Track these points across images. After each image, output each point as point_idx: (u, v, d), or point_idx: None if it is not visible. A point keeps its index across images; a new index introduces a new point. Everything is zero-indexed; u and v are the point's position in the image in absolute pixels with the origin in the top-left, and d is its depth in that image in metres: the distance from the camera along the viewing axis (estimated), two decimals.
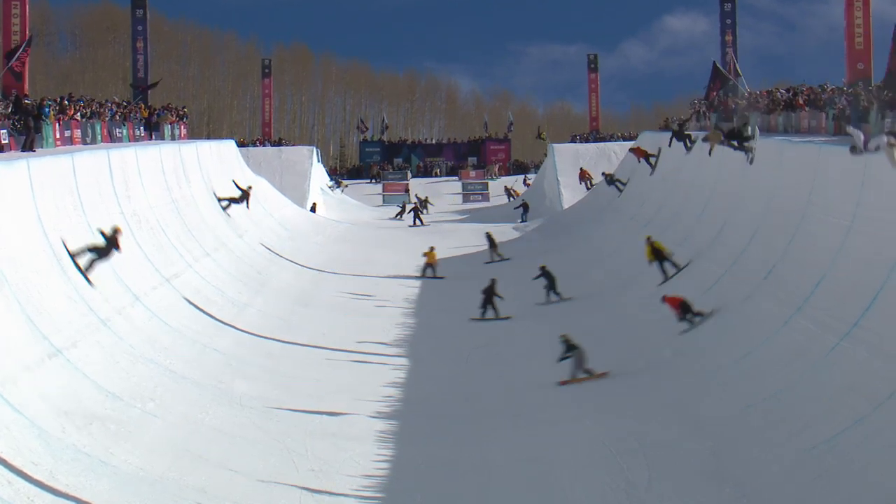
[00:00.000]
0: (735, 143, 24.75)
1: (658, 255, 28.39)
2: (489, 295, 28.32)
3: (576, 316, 27.60)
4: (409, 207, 57.79)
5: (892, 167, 16.24)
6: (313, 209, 53.00)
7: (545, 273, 29.87)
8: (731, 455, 15.90)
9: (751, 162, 24.95)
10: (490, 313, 28.16)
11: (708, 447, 16.43)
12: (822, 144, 23.84)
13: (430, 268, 35.45)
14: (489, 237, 39.08)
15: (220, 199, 36.32)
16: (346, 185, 69.12)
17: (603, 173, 46.09)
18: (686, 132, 33.68)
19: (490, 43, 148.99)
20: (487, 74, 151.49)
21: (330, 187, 65.58)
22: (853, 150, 17.13)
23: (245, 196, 37.41)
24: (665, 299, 23.57)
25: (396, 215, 57.92)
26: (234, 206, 36.75)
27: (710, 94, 40.07)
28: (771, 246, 23.50)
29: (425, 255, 35.87)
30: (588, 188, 47.28)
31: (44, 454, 14.23)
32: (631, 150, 42.59)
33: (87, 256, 21.39)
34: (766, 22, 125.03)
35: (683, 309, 23.01)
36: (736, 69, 40.47)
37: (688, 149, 32.68)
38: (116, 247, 21.92)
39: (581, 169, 53.08)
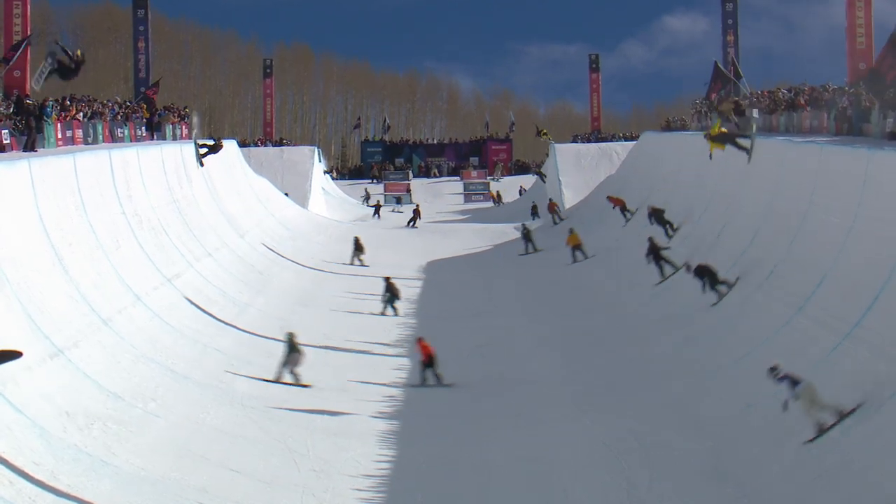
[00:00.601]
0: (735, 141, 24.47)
1: (725, 138, 27.07)
2: (656, 253, 27.92)
3: (576, 315, 27.64)
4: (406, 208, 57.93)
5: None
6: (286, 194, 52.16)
7: (389, 286, 29.10)
8: (732, 455, 15.92)
9: (749, 159, 24.74)
10: (668, 269, 27.72)
11: (708, 447, 16.45)
12: (823, 145, 23.84)
13: (579, 250, 35.00)
14: (356, 241, 37.96)
15: (198, 145, 36.79)
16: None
17: (523, 224, 43.93)
18: (668, 219, 31.88)
19: (489, 42, 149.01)
20: (487, 74, 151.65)
21: (394, 210, 63.79)
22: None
23: (217, 147, 37.29)
24: (419, 342, 22.09)
25: (374, 213, 57.55)
26: (209, 155, 36.81)
27: (711, 95, 40.06)
28: (772, 246, 23.51)
29: (568, 238, 35.85)
30: (556, 223, 46.60)
31: (45, 454, 14.24)
32: (609, 197, 40.81)
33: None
34: (767, 22, 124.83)
35: (428, 361, 21.68)
36: (737, 70, 40.43)
37: (669, 236, 31.26)
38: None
39: (550, 200, 52.09)
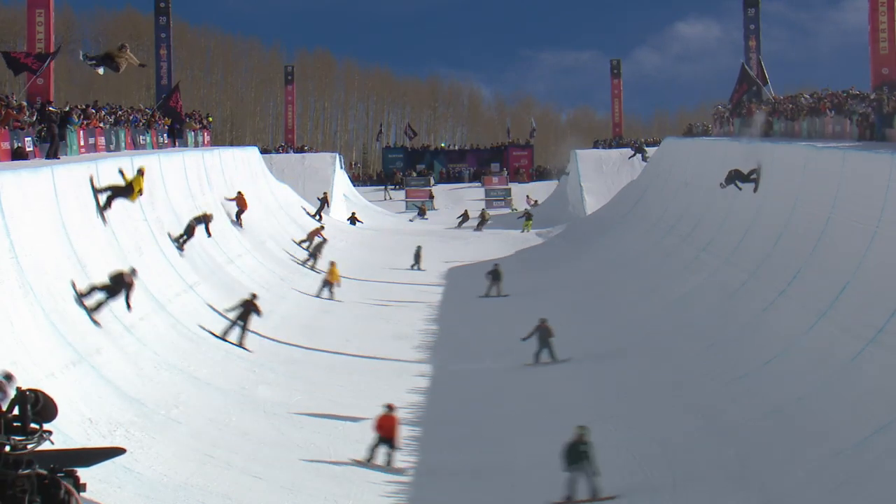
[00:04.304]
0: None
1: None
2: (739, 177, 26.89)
3: (598, 321, 27.57)
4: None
5: None
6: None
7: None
8: (757, 460, 15.83)
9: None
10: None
11: (733, 452, 16.36)
12: (846, 150, 23.73)
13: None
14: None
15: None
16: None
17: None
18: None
19: (506, 49, 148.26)
20: (506, 80, 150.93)
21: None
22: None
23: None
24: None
25: (351, 222, 52.59)
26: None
27: (735, 97, 39.95)
28: (795, 251, 23.40)
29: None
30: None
31: None
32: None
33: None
34: (785, 29, 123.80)
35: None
36: (764, 74, 40.23)
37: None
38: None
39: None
